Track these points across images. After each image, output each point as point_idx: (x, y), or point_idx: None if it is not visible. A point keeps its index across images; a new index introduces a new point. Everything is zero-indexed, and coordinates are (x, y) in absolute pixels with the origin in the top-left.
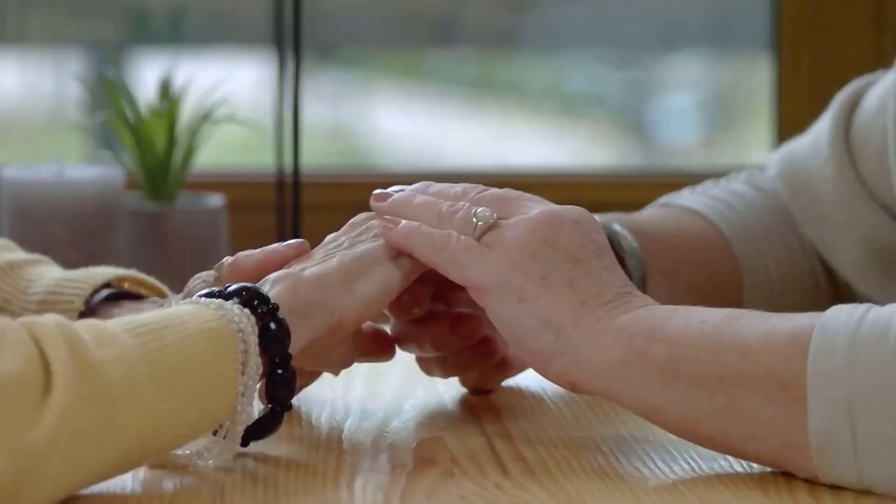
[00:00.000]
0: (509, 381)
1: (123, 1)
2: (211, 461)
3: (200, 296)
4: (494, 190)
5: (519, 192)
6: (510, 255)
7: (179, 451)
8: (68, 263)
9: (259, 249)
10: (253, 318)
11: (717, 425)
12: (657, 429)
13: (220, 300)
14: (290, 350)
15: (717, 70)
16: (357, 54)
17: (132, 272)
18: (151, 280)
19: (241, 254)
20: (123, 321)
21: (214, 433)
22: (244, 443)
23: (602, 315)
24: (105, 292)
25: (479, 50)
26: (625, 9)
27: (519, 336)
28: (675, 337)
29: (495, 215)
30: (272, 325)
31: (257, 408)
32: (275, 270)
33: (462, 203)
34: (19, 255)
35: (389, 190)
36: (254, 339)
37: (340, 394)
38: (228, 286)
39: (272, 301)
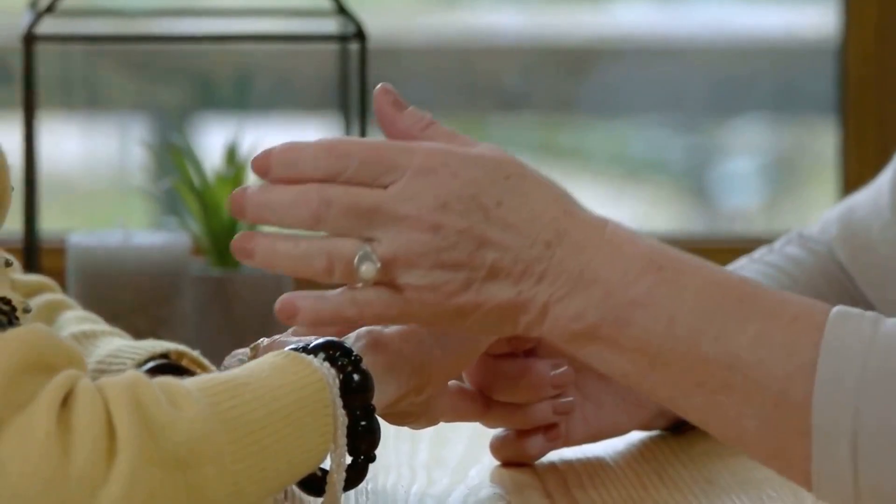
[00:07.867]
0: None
1: (188, 66)
2: None
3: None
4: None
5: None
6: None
7: None
8: (134, 329)
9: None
10: (333, 371)
11: (697, 420)
12: (724, 497)
13: (301, 354)
14: (376, 404)
15: (781, 134)
16: None
17: (194, 353)
18: (208, 364)
19: (278, 337)
20: (201, 379)
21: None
22: (319, 494)
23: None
24: (154, 363)
25: (542, 115)
26: (686, 73)
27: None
28: (646, 337)
29: (372, 256)
30: (355, 377)
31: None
32: None
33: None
34: (100, 327)
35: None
36: (335, 391)
37: (405, 458)
38: (311, 341)
39: (355, 353)
